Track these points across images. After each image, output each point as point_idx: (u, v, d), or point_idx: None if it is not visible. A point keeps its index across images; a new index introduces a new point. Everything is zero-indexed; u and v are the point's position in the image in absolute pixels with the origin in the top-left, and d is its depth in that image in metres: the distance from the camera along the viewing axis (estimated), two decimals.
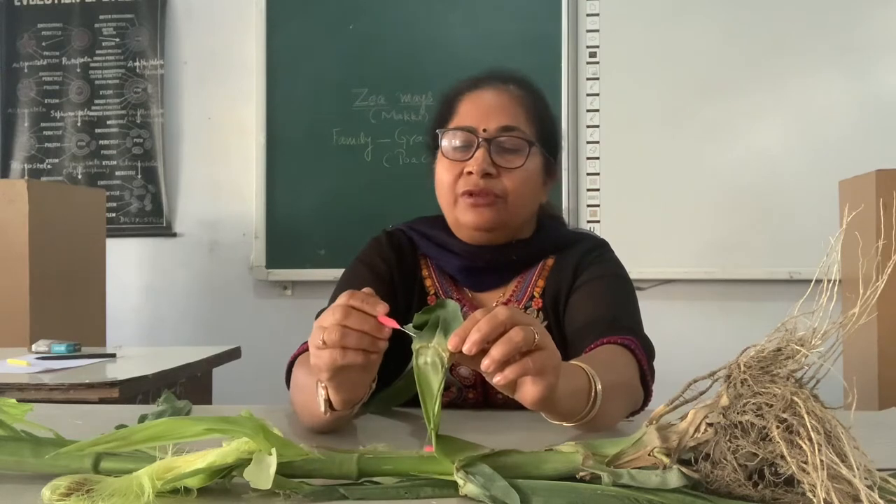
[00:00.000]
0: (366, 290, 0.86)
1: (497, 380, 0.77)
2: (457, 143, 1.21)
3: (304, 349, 1.13)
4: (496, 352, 0.75)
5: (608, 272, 1.24)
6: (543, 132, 1.24)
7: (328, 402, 0.89)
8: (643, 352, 1.08)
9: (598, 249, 1.28)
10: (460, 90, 1.25)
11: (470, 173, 1.18)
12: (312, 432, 1.00)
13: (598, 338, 1.09)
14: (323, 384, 0.88)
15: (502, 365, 0.76)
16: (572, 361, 0.93)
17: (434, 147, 1.26)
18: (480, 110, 1.21)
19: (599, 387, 0.88)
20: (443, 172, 1.22)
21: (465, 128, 1.20)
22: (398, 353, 1.21)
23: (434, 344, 0.77)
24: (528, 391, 0.78)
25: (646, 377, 1.07)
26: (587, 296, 1.20)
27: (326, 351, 0.82)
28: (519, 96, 1.23)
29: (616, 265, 1.27)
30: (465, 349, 0.75)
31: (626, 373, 1.03)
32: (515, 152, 1.19)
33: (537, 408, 0.81)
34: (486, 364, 0.75)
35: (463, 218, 1.21)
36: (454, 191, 1.21)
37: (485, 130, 1.19)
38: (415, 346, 0.78)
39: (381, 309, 0.82)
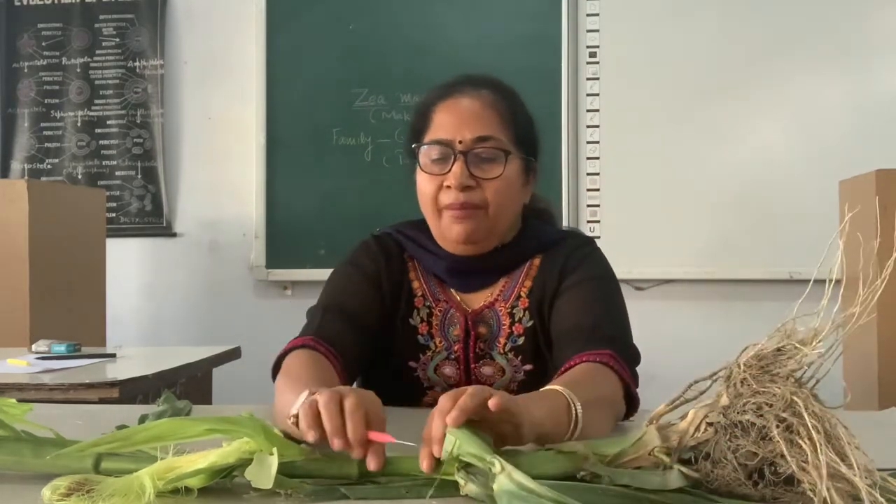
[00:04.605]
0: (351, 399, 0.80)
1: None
2: (434, 156, 1.21)
3: (295, 345, 1.13)
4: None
5: (593, 275, 1.24)
6: (519, 134, 1.23)
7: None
8: (622, 364, 1.07)
9: (584, 248, 1.27)
10: (433, 100, 1.25)
11: (449, 187, 1.19)
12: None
13: (576, 353, 1.09)
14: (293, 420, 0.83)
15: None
16: (550, 386, 0.93)
17: (413, 158, 1.25)
18: (455, 120, 1.20)
19: (579, 406, 0.88)
20: (424, 185, 1.22)
21: (440, 141, 1.20)
22: (377, 344, 1.22)
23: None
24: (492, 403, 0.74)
25: (629, 388, 1.07)
26: (571, 300, 1.20)
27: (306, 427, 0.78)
28: (492, 101, 1.22)
29: (601, 266, 1.26)
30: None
31: (605, 388, 1.03)
32: (493, 161, 1.19)
33: (505, 415, 0.76)
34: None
35: (448, 233, 1.21)
36: (437, 204, 1.21)
37: (460, 142, 1.18)
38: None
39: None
